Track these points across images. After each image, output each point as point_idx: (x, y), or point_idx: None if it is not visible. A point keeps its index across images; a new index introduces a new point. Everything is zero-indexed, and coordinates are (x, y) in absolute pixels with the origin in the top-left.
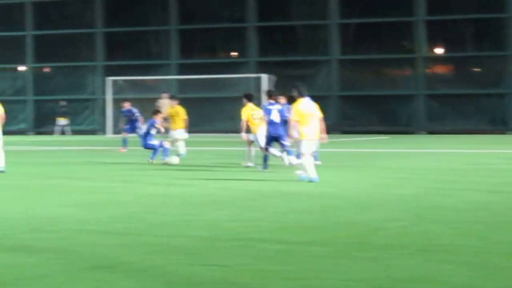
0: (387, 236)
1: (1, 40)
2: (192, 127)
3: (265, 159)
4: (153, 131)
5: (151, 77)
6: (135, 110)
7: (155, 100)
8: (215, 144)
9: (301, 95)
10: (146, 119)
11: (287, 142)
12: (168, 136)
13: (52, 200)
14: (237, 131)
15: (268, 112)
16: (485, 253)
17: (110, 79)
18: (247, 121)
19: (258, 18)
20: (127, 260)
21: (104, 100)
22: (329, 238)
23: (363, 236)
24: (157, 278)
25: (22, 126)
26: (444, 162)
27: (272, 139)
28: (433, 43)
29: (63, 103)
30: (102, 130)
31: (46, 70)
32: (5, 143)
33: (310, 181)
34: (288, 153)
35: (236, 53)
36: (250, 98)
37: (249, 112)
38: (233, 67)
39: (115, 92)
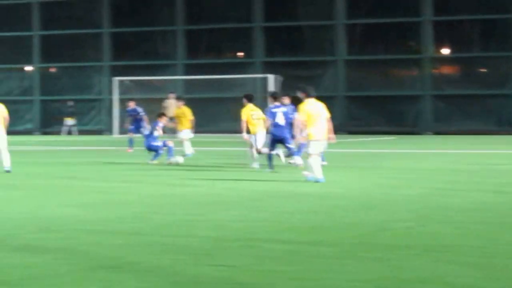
0: (393, 236)
1: (8, 40)
2: (198, 127)
3: (270, 159)
4: (156, 133)
5: (157, 77)
6: (140, 109)
7: (161, 100)
8: (221, 145)
9: (308, 95)
10: (151, 119)
11: (292, 144)
12: (174, 136)
13: (58, 200)
14: (241, 131)
15: (273, 115)
16: (491, 253)
17: (116, 79)
18: (246, 122)
19: (264, 18)
20: (134, 260)
21: (110, 100)
22: (335, 239)
23: (369, 236)
24: (164, 278)
25: (28, 126)
26: (450, 162)
27: (277, 141)
28: (440, 44)
29: (71, 103)
30: (108, 130)
31: (53, 70)
32: (12, 143)
33: (317, 181)
34: (294, 154)
35: (242, 54)
36: (250, 98)
37: (249, 113)
38: (240, 67)
39: (121, 92)
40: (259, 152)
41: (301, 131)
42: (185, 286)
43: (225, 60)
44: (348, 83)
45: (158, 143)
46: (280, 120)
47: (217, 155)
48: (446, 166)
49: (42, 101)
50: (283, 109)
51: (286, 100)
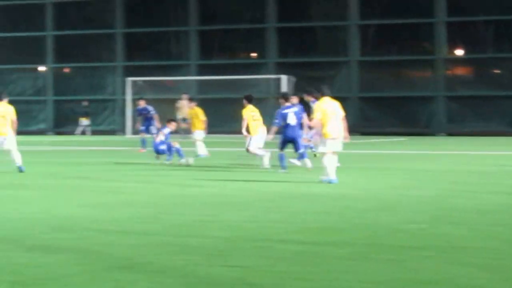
0: (406, 238)
1: (22, 40)
2: (211, 128)
3: (282, 159)
4: (158, 139)
5: (170, 77)
6: (150, 108)
7: (174, 101)
8: (233, 145)
9: (323, 94)
10: (164, 119)
11: (301, 145)
12: (188, 137)
13: (71, 200)
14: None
15: (283, 116)
16: (505, 255)
17: (129, 79)
18: (247, 122)
19: (277, 19)
20: (146, 261)
21: (123, 101)
22: (347, 240)
23: (381, 237)
24: (177, 279)
25: (42, 126)
26: (463, 164)
27: (287, 142)
28: (453, 45)
29: (85, 103)
30: (121, 130)
31: (66, 70)
32: (25, 143)
33: (329, 182)
34: (303, 156)
35: (255, 54)
36: (250, 99)
37: (249, 113)
38: (253, 68)
39: (134, 93)
40: (247, 151)
41: (317, 130)
42: (197, 287)
43: (238, 61)
44: (361, 84)
45: (163, 146)
46: (292, 120)
47: (229, 156)
48: (459, 167)
49: (56, 101)
50: (294, 109)
51: (295, 99)
